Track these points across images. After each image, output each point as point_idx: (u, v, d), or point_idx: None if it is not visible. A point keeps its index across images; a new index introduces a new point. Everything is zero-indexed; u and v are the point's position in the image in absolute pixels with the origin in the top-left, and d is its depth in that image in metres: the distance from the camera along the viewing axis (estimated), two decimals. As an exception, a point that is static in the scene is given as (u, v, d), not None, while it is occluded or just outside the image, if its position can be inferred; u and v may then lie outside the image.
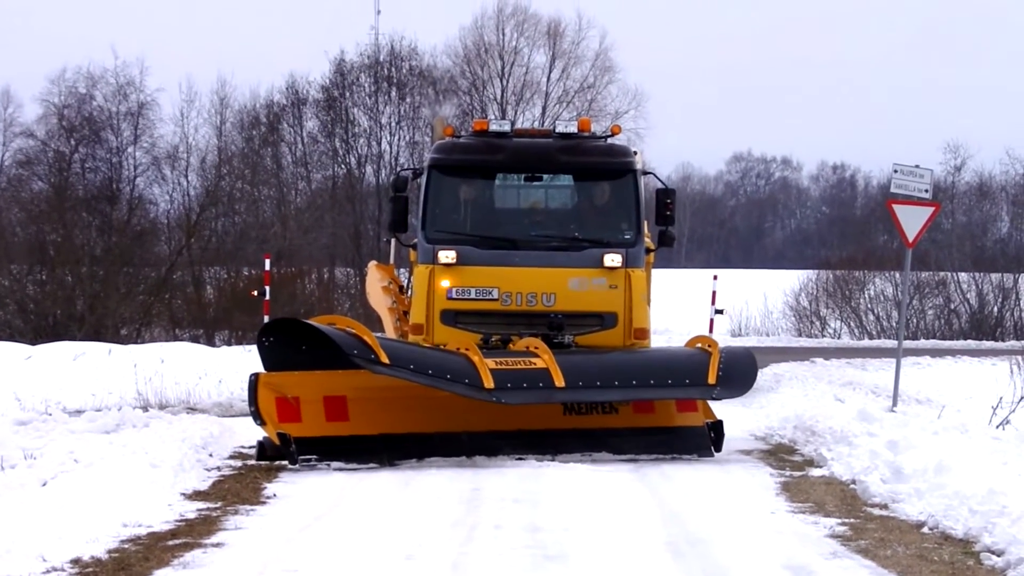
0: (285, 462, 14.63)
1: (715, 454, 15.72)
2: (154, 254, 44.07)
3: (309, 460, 14.49)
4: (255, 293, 29.12)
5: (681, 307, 41.00)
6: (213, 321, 42.73)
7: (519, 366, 15.10)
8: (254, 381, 14.65)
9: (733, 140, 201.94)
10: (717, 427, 15.95)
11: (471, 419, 15.26)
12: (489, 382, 14.72)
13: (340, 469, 14.42)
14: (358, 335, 14.69)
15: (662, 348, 20.57)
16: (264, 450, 14.97)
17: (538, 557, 10.25)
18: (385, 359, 14.49)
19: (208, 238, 45.67)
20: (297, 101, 50.29)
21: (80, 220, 42.64)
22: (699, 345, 16.35)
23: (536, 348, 15.45)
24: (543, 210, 18.08)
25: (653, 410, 16.02)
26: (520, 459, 14.99)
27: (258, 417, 14.60)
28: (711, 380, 15.48)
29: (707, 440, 15.83)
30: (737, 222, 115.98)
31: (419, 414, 15.11)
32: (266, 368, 15.18)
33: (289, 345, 15.22)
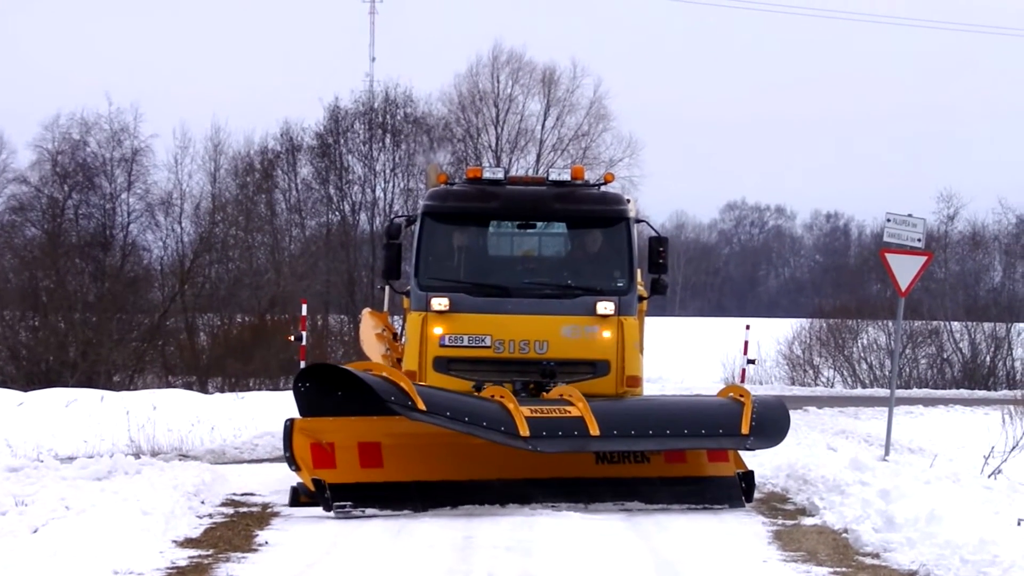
0: (277, 509, 14.60)
1: (746, 504, 15.61)
2: (147, 300, 43.97)
3: (344, 507, 14.37)
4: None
5: (675, 355, 41.00)
6: (206, 368, 42.62)
7: (554, 414, 14.97)
8: (289, 426, 14.55)
9: (727, 189, 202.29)
10: (748, 477, 15.87)
11: (505, 467, 15.17)
12: (525, 430, 14.53)
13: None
14: (394, 381, 14.59)
15: (695, 397, 20.53)
16: (298, 496, 14.91)
17: (530, 606, 10.25)
18: (422, 405, 14.32)
19: (201, 285, 45.62)
20: (291, 148, 50.37)
21: (73, 266, 42.61)
22: (731, 395, 16.26)
23: (570, 396, 15.37)
24: (536, 258, 18.10)
25: (684, 460, 15.94)
26: (553, 506, 14.89)
27: (293, 463, 14.51)
28: (744, 430, 15.35)
29: (738, 490, 15.73)
30: (731, 270, 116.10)
31: (453, 461, 15.03)
32: (301, 413, 15.21)
33: (324, 391, 15.25)
